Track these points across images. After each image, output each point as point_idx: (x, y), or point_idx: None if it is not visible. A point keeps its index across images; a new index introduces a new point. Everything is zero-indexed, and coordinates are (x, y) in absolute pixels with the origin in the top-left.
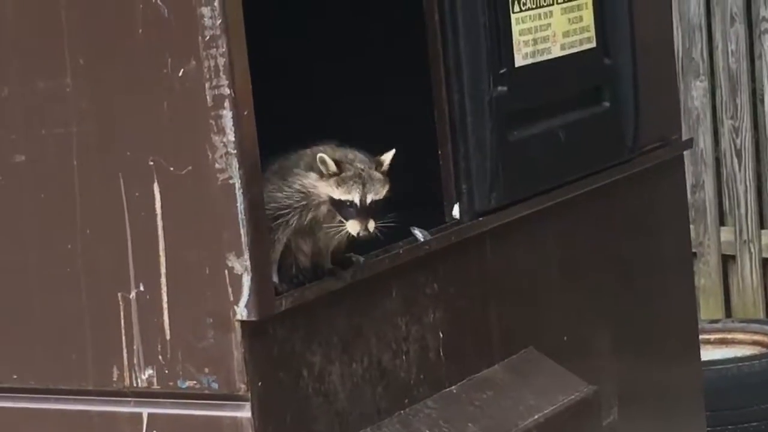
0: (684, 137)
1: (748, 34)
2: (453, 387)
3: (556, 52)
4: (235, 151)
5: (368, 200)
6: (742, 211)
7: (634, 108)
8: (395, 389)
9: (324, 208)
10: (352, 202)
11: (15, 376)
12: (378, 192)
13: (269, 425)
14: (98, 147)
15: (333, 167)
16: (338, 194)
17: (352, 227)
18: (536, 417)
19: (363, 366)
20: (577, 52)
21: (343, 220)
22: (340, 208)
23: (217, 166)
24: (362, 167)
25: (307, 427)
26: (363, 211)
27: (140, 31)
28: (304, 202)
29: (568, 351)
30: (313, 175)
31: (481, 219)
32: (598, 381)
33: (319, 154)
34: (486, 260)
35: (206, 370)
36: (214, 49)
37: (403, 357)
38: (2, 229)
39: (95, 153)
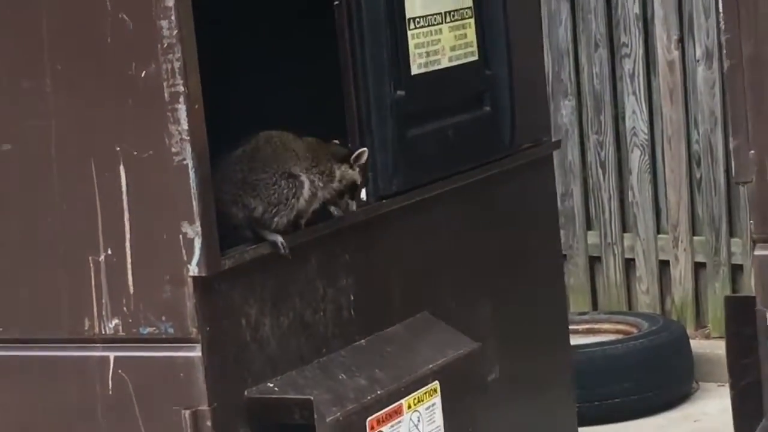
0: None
1: (610, 59)
2: (362, 340)
3: (445, 63)
4: (188, 138)
5: None
6: (607, 217)
7: (511, 112)
8: (315, 340)
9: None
10: (359, 185)
11: (1, 329)
12: None
13: (215, 364)
14: (73, 136)
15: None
16: (360, 179)
17: (353, 206)
18: (431, 366)
19: (289, 319)
20: (463, 64)
21: (349, 200)
22: (352, 190)
23: (173, 150)
24: None
25: (246, 368)
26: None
27: (108, 40)
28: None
29: (455, 316)
30: (345, 166)
31: (384, 201)
32: (481, 342)
33: (364, 150)
34: (389, 236)
35: (164, 318)
36: (171, 55)
37: (321, 314)
38: None
39: (70, 141)
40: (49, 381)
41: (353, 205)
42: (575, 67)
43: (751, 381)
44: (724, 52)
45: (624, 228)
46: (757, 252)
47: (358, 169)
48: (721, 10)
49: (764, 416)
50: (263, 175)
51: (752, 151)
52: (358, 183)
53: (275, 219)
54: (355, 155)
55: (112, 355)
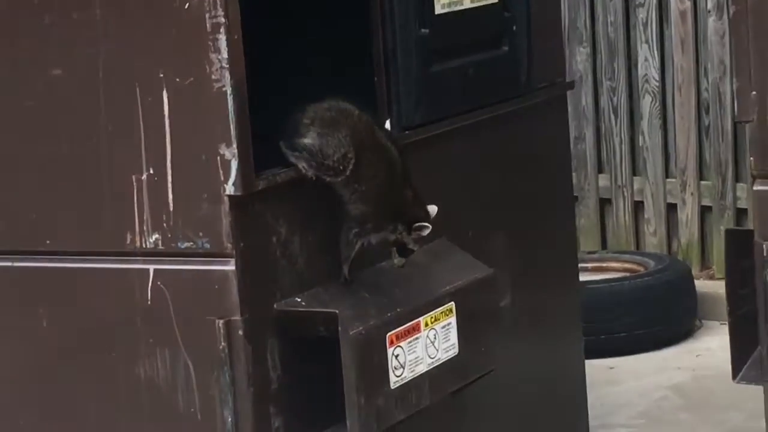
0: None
1: (624, 8)
2: (384, 262)
3: (467, 4)
4: (228, 66)
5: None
6: (617, 160)
7: (527, 53)
8: (339, 260)
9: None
10: (412, 251)
11: (48, 242)
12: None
13: (248, 277)
14: (119, 63)
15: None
16: (412, 246)
17: (399, 262)
18: (448, 287)
19: (316, 239)
20: (483, 5)
21: (396, 254)
22: (403, 249)
23: (213, 77)
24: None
25: (275, 282)
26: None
27: None
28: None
29: (470, 244)
30: (404, 234)
31: (407, 132)
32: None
33: (425, 225)
34: (410, 165)
35: (201, 233)
36: None
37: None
38: (42, 126)
39: (117, 67)
40: (93, 291)
41: (398, 263)
42: (591, 15)
43: (748, 310)
44: None
45: (634, 171)
46: (756, 187)
47: (415, 235)
48: None
49: (759, 344)
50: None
51: (754, 92)
52: (409, 248)
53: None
54: (418, 225)
55: (151, 267)
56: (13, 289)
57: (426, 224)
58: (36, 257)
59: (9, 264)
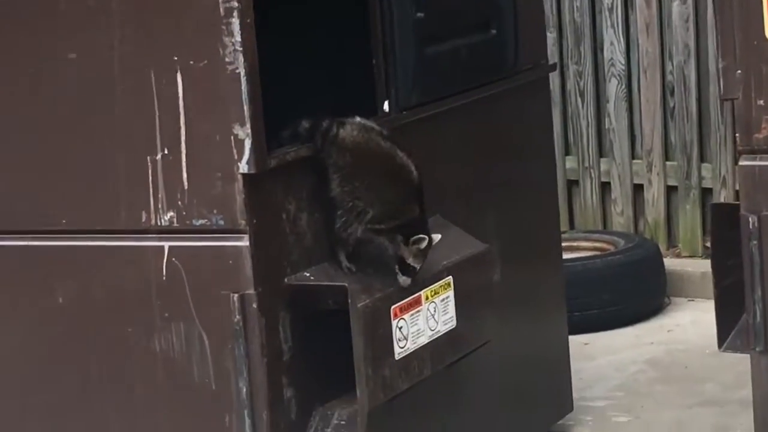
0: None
1: None
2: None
3: None
4: (241, 49)
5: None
6: (584, 142)
7: (514, 35)
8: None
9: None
10: (415, 269)
11: (64, 221)
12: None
13: (261, 252)
14: (135, 48)
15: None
16: (412, 261)
17: (404, 282)
18: (446, 263)
19: (322, 216)
20: None
21: (399, 272)
22: (404, 266)
23: (227, 60)
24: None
25: (285, 257)
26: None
27: None
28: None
29: (463, 221)
30: (401, 245)
31: (404, 112)
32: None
33: (423, 236)
34: (407, 144)
35: (215, 211)
36: None
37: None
38: (58, 109)
39: (132, 52)
40: (109, 268)
41: (402, 282)
42: (557, 0)
43: (734, 281)
44: None
45: (601, 153)
46: (741, 162)
47: (414, 249)
48: None
49: (746, 312)
50: None
51: (739, 71)
52: (407, 262)
53: None
54: (416, 237)
55: (166, 244)
56: (29, 268)
57: (423, 236)
58: (52, 236)
59: (26, 243)
